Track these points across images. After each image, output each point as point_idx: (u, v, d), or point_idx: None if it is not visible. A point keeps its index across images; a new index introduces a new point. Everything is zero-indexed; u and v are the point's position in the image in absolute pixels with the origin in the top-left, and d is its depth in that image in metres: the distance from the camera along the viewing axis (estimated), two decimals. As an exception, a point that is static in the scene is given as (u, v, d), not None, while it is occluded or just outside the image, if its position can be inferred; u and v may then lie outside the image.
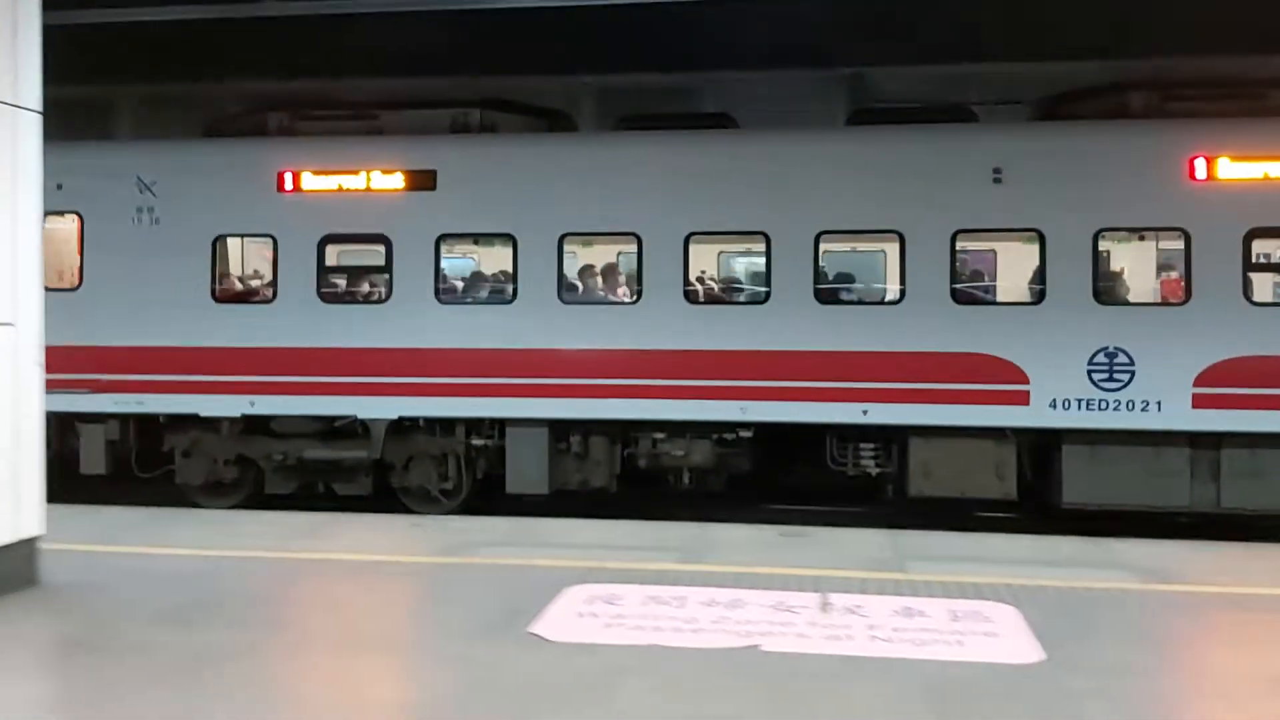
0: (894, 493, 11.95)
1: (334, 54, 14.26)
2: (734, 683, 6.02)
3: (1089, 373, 10.91)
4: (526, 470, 12.04)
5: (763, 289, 11.52)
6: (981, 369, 11.05)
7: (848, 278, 11.79)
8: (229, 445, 12.59)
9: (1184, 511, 11.21)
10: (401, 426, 12.18)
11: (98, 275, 12.49)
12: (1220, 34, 12.15)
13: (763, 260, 11.52)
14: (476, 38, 13.64)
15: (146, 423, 12.71)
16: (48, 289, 12.18)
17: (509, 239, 11.92)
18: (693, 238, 11.58)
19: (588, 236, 12.12)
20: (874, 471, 11.70)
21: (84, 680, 6.17)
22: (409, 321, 11.95)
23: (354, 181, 12.08)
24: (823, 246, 11.40)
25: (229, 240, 12.58)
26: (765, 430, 11.70)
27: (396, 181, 12.01)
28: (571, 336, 11.72)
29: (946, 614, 7.14)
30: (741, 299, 11.91)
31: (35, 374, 7.90)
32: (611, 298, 12.11)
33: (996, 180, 11.06)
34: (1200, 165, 10.82)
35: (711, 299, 11.94)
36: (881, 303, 11.55)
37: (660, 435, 11.95)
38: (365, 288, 12.47)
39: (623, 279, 12.32)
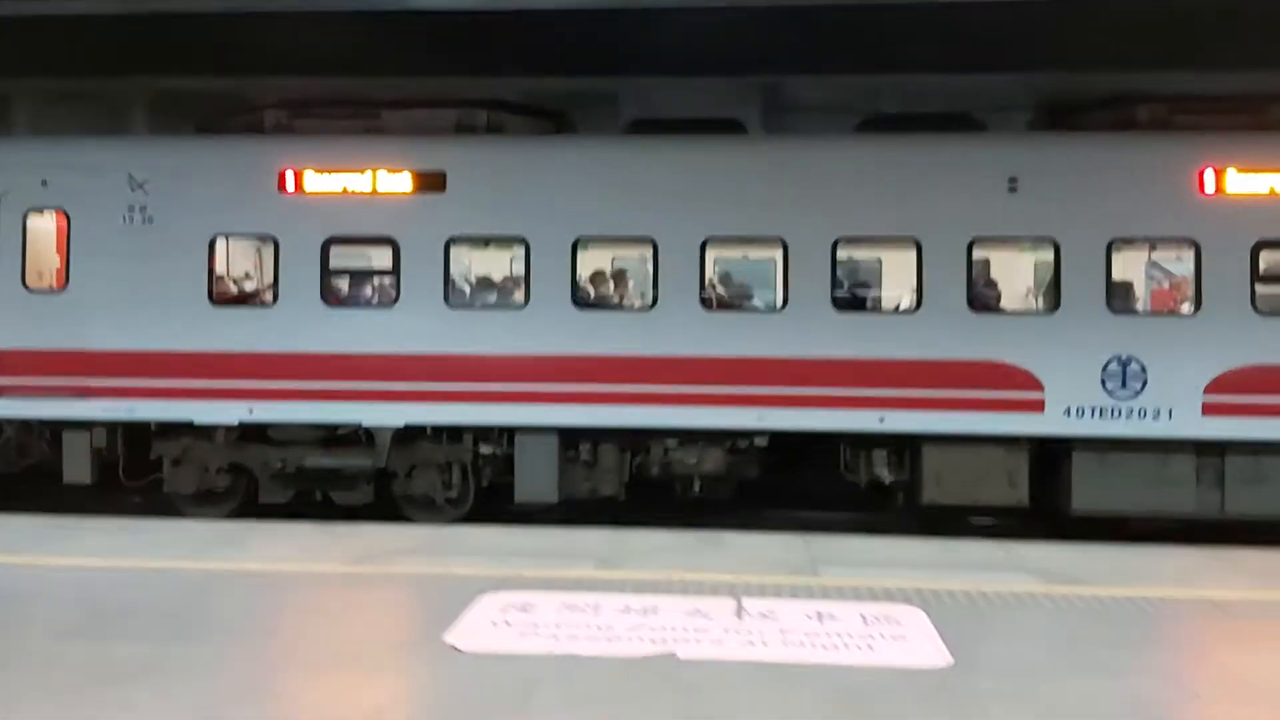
0: (905, 500, 11.95)
1: (246, 52, 14.16)
2: (650, 691, 6.09)
3: (1102, 381, 11.05)
4: (536, 478, 11.83)
5: (779, 295, 11.47)
6: (997, 377, 11.13)
7: (864, 285, 11.78)
8: (223, 453, 12.18)
9: (1189, 518, 11.41)
10: (405, 434, 11.89)
11: (85, 276, 12.00)
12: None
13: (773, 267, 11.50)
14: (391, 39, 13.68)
15: (133, 430, 12.25)
16: (31, 290, 12.10)
17: (521, 242, 11.70)
18: (709, 243, 11.50)
19: (603, 241, 11.92)
20: (887, 479, 11.70)
21: (-17, 697, 5.96)
22: (417, 326, 11.67)
23: (359, 182, 11.77)
24: (840, 253, 11.39)
25: (226, 240, 12.15)
26: (777, 438, 11.65)
27: (404, 182, 11.73)
28: (585, 342, 11.54)
29: (857, 618, 7.39)
30: (759, 305, 11.81)
31: None
32: (625, 303, 11.96)
33: (1012, 189, 11.15)
34: (1210, 177, 11.03)
35: (726, 305, 11.83)
36: (898, 310, 11.56)
37: (672, 443, 11.83)
38: (370, 291, 12.15)
39: (632, 284, 12.20)
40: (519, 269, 11.86)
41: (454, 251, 11.79)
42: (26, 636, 6.96)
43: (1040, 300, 11.67)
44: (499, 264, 12.40)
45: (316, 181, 11.81)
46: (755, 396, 11.37)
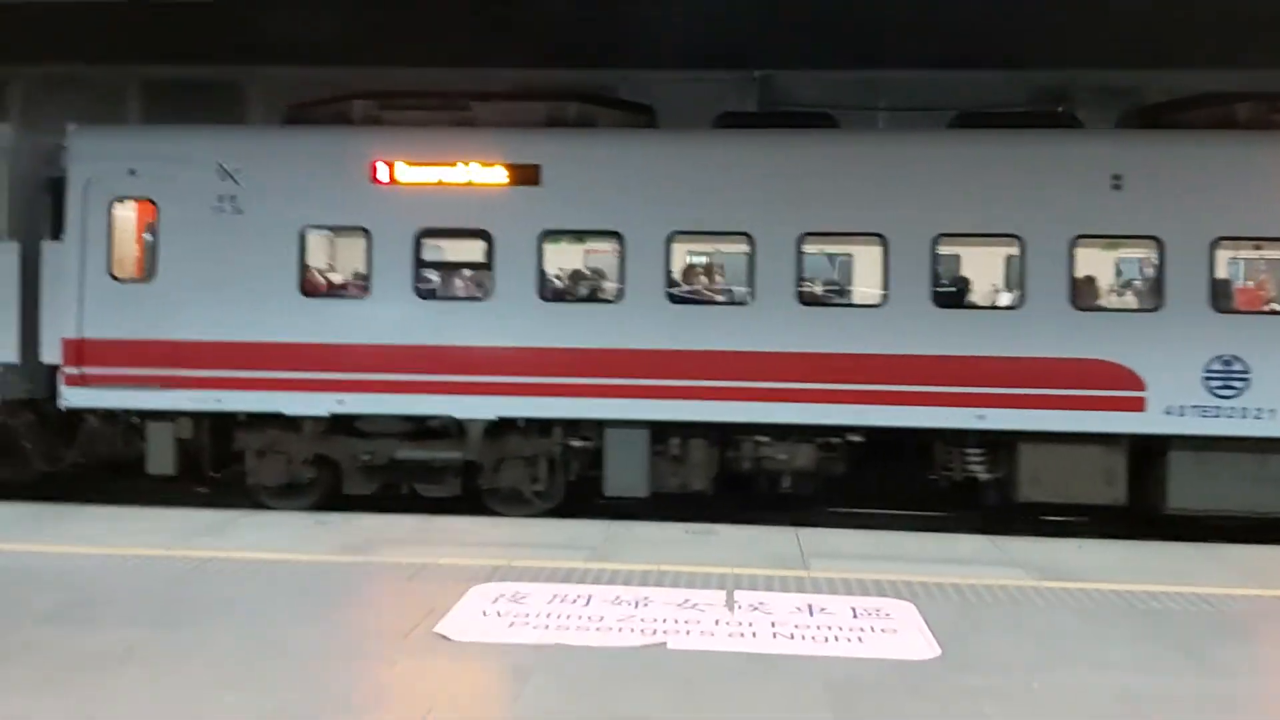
0: (997, 498, 11.89)
1: (238, 39, 14.22)
2: (639, 681, 6.12)
3: (1204, 379, 11.00)
4: (626, 472, 11.78)
5: (879, 291, 11.41)
6: (1099, 375, 11.07)
7: (965, 281, 11.72)
8: (309, 444, 12.11)
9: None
10: (494, 427, 11.82)
11: (173, 266, 11.91)
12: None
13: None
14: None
15: (215, 421, 12.17)
16: (117, 279, 12.01)
17: (615, 236, 11.63)
18: (806, 238, 11.44)
19: (698, 235, 11.86)
20: (983, 477, 11.65)
21: (-36, 684, 5.95)
22: (510, 319, 11.59)
23: (453, 174, 11.69)
24: (940, 249, 11.32)
25: (318, 232, 12.07)
26: (870, 434, 11.59)
27: (498, 175, 11.65)
28: (678, 337, 11.47)
29: (848, 610, 7.47)
30: (856, 302, 11.75)
31: None
32: (720, 298, 11.90)
33: (1116, 187, 11.09)
34: None
35: (822, 301, 11.76)
36: (999, 307, 11.49)
37: (764, 438, 11.77)
38: (462, 284, 12.08)
39: (721, 279, 12.15)
40: (613, 262, 11.79)
41: (547, 245, 11.72)
42: (9, 622, 6.91)
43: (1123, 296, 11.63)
44: (593, 257, 12.32)
45: (409, 173, 11.73)
46: (852, 393, 11.30)
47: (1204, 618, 7.69)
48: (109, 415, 12.27)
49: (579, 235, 12.18)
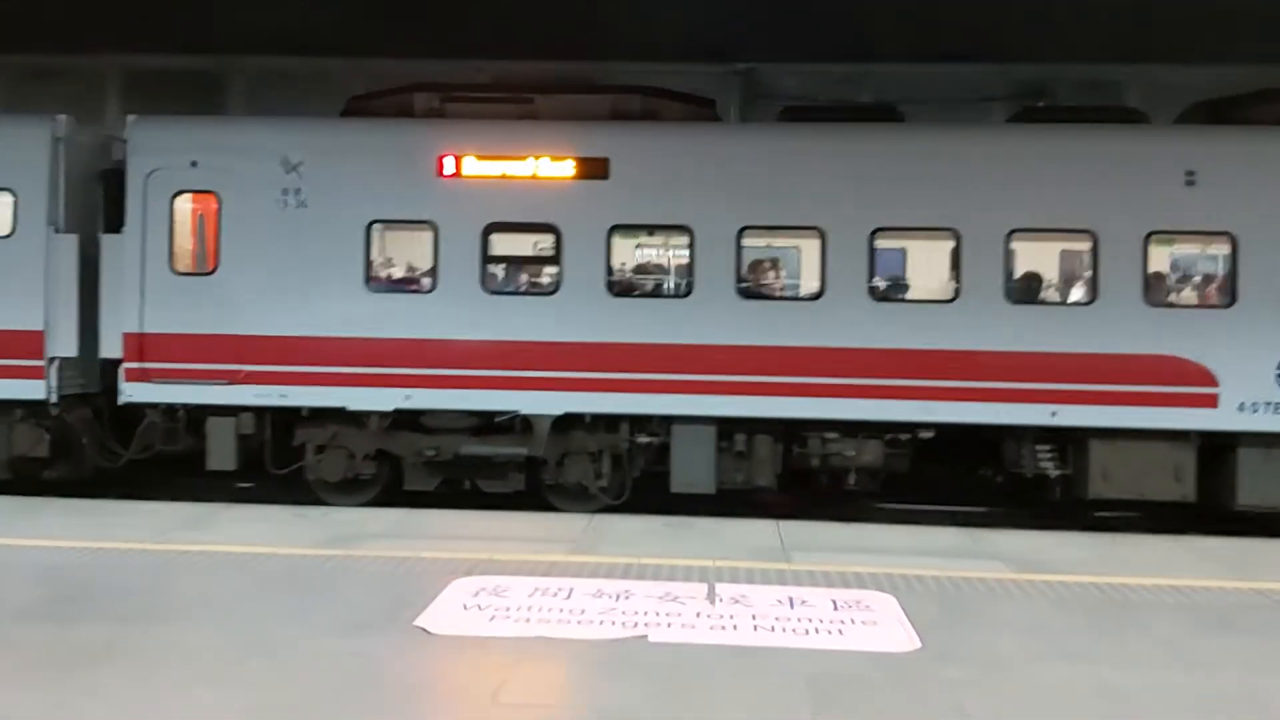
0: (1064, 494, 11.87)
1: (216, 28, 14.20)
2: (621, 674, 6.10)
3: (1278, 376, 10.99)
4: (693, 468, 11.73)
5: (952, 286, 11.37)
6: (1172, 371, 11.06)
7: (1037, 278, 11.68)
8: (371, 440, 12.02)
9: None
10: (559, 422, 11.75)
11: (236, 260, 11.80)
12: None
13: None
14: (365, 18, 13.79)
15: (276, 416, 12.07)
16: (179, 273, 11.89)
17: (685, 231, 11.56)
18: (878, 234, 11.39)
19: (768, 230, 11.79)
20: (1053, 473, 11.63)
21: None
22: (578, 314, 11.52)
23: (520, 168, 11.61)
24: (1013, 245, 11.29)
25: (384, 226, 11.96)
26: (939, 430, 11.55)
27: (566, 169, 11.57)
28: (748, 333, 11.42)
29: (828, 603, 7.49)
30: (927, 297, 11.71)
31: None
32: (789, 294, 11.85)
33: (1189, 183, 11.07)
34: None
35: (892, 297, 11.71)
36: (1072, 304, 11.46)
37: (832, 435, 11.73)
38: (529, 278, 11.99)
39: (784, 274, 12.09)
40: (682, 257, 11.72)
41: (615, 239, 11.65)
42: None
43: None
44: (663, 252, 12.25)
45: (476, 167, 11.64)
46: (922, 389, 11.27)
47: (1182, 610, 7.71)
48: (168, 410, 12.17)
49: (649, 230, 12.06)
